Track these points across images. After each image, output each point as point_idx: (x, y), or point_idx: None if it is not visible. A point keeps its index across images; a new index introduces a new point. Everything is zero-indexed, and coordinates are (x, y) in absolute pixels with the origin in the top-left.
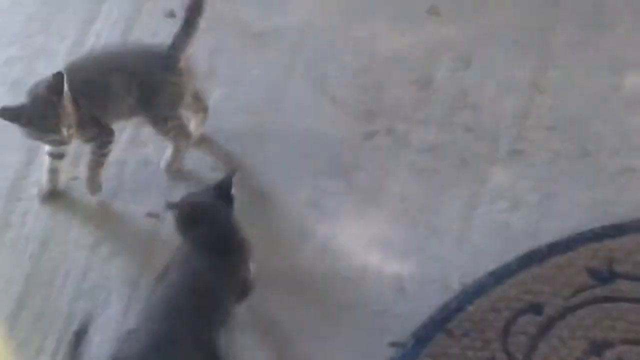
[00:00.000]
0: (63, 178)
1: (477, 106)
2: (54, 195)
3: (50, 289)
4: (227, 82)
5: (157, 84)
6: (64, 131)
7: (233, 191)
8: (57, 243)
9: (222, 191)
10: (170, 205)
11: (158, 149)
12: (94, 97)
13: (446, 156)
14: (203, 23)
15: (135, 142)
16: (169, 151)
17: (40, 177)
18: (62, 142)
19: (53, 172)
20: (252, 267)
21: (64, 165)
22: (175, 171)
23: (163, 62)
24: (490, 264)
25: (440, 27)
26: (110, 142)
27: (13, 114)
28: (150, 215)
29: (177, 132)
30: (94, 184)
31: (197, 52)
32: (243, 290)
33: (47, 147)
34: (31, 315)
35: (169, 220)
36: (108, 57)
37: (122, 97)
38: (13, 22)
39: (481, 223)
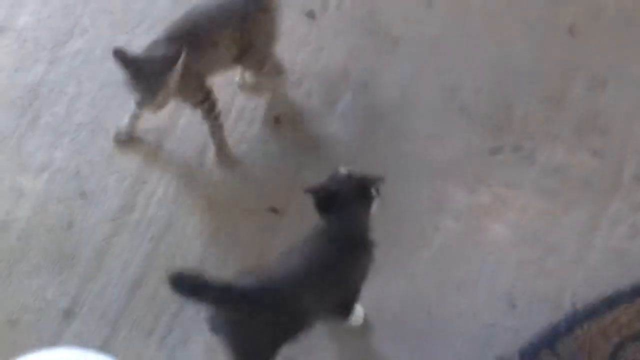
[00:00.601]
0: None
1: (606, 129)
2: (128, 141)
3: (166, 273)
4: (359, 83)
5: (253, 26)
6: (159, 99)
7: (375, 193)
8: (178, 228)
9: (363, 187)
10: (309, 189)
11: (282, 148)
12: (202, 52)
13: (571, 177)
14: (341, 24)
15: (262, 140)
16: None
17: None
18: (150, 106)
19: (135, 117)
20: (360, 311)
21: None
22: (275, 120)
23: (255, 3)
24: (604, 288)
25: (578, 47)
26: (216, 100)
27: (125, 60)
28: (271, 210)
29: (275, 70)
30: (224, 154)
31: (333, 52)
32: (344, 305)
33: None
34: (146, 296)
35: (289, 217)
36: (213, 12)
37: (228, 49)
38: (157, 7)
39: (599, 246)
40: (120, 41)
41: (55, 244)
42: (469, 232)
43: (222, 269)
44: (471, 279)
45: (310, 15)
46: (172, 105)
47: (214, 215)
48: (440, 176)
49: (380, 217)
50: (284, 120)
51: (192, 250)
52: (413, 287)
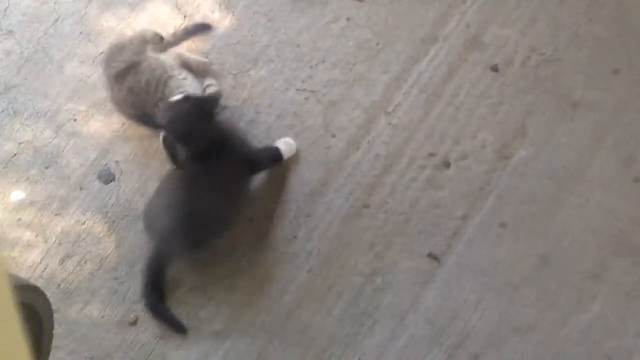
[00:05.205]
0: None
1: None
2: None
3: (320, 307)
4: (535, 143)
5: None
6: None
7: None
8: (337, 265)
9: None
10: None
11: (454, 196)
12: None
13: None
14: (524, 81)
15: (432, 184)
16: None
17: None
18: None
19: None
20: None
21: None
22: (446, 165)
23: None
24: None
25: None
26: None
27: None
28: (431, 256)
29: None
30: None
31: (512, 109)
32: None
33: None
34: (297, 328)
35: (448, 266)
36: None
37: None
38: (343, 47)
39: None
40: (303, 76)
41: None
42: (624, 303)
43: (375, 309)
44: (625, 350)
45: (495, 69)
46: None
47: (374, 257)
48: (604, 244)
49: (538, 282)
50: (454, 165)
51: (349, 288)
52: (562, 355)
